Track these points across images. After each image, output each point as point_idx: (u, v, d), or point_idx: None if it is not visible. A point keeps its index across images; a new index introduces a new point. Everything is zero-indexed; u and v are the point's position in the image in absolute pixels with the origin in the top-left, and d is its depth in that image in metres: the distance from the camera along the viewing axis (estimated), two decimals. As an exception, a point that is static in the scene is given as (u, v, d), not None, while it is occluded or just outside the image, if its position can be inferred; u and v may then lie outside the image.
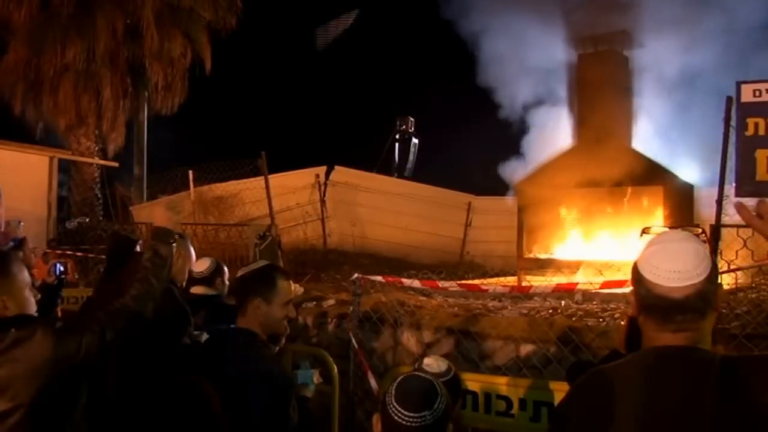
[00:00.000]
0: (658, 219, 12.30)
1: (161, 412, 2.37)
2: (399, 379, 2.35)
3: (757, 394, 1.79)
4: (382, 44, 26.39)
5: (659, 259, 1.93)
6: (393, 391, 2.25)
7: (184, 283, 4.05)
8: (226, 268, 5.51)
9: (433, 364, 3.35)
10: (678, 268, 1.90)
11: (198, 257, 8.23)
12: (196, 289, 5.12)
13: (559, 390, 4.65)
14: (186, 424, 2.23)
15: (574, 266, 11.32)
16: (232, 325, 3.24)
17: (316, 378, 3.43)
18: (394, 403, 2.18)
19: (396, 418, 2.14)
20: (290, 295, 3.29)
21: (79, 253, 13.00)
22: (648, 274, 1.94)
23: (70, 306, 6.92)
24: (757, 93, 7.39)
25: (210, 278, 5.22)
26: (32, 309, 3.04)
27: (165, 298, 3.68)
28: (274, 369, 3.04)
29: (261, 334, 3.15)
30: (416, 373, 2.57)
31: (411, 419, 2.13)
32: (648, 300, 1.95)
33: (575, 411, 2.01)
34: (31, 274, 4.47)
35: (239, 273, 3.29)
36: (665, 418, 1.82)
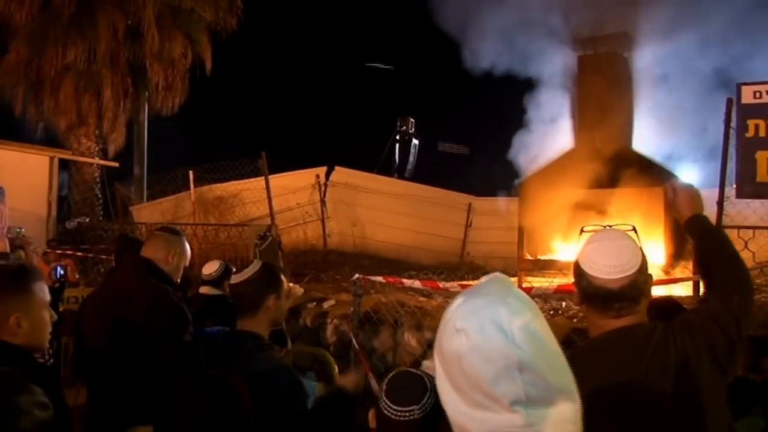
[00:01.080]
0: (659, 220, 12.30)
1: (186, 408, 2.35)
2: (391, 374, 2.39)
3: (676, 344, 2.16)
4: (384, 45, 26.42)
5: (597, 255, 2.20)
6: (384, 386, 2.28)
7: (178, 281, 3.99)
8: (234, 270, 5.59)
9: (432, 366, 3.36)
10: (613, 263, 2.17)
11: (198, 257, 8.25)
12: (204, 289, 5.39)
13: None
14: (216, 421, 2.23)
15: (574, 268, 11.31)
16: (232, 329, 3.25)
17: (318, 391, 3.45)
18: (384, 398, 2.20)
19: (386, 412, 2.16)
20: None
21: (79, 253, 13.01)
22: (587, 268, 2.21)
23: (70, 306, 6.92)
24: (758, 94, 7.40)
25: (218, 280, 5.41)
26: (46, 331, 2.76)
27: (161, 298, 3.68)
28: (286, 371, 3.03)
29: (266, 331, 3.19)
30: (408, 369, 2.60)
31: (399, 413, 2.14)
32: (589, 290, 2.21)
33: None
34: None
35: (237, 279, 3.27)
36: (617, 379, 2.11)
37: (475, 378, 1.34)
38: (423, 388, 2.29)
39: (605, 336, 2.20)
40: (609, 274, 2.16)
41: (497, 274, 1.49)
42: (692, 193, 2.73)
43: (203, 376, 2.49)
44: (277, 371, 2.93)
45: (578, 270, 2.25)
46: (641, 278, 2.19)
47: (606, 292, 2.17)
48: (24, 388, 1.80)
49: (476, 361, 1.33)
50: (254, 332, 3.14)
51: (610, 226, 2.41)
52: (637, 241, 2.29)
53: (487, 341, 1.33)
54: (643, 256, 2.23)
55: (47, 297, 2.76)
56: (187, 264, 4.10)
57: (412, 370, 2.55)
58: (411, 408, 2.17)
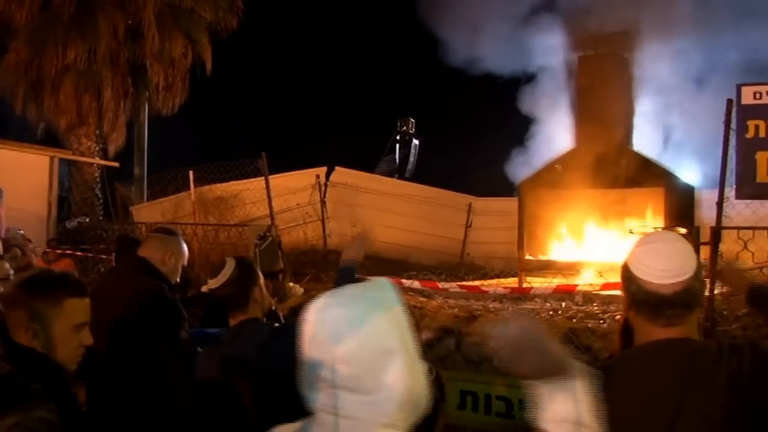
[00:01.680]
0: (659, 221, 12.31)
1: (192, 415, 2.33)
2: None
3: (730, 369, 1.95)
4: (384, 45, 26.42)
5: (649, 258, 2.06)
6: None
7: (177, 281, 4.01)
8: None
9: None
10: (667, 267, 2.02)
11: (198, 257, 8.25)
12: (206, 288, 5.31)
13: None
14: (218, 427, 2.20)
15: (574, 268, 11.32)
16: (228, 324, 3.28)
17: None
18: None
19: None
20: None
21: (79, 253, 13.02)
22: (639, 272, 2.06)
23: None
24: (758, 95, 7.41)
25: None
26: (69, 353, 2.49)
27: (157, 298, 3.69)
28: None
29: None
30: None
31: None
32: (639, 296, 2.07)
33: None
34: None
35: (218, 282, 3.29)
36: (666, 405, 1.94)
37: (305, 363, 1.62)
38: None
39: (649, 347, 2.07)
40: (662, 279, 2.03)
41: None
42: (733, 270, 2.67)
43: (206, 383, 2.47)
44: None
45: (627, 273, 2.12)
46: (697, 284, 2.06)
47: (658, 298, 2.04)
48: (33, 404, 1.67)
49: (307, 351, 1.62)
50: (255, 317, 3.23)
51: (660, 228, 2.34)
52: (691, 245, 2.16)
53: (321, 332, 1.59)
54: (698, 260, 2.10)
55: (84, 318, 2.54)
56: (185, 264, 4.11)
57: None
58: None
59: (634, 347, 2.14)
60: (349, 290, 1.70)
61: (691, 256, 2.07)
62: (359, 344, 1.55)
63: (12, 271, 3.89)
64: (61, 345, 2.44)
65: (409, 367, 1.60)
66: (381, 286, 1.70)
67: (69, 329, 2.46)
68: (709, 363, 1.98)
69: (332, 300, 1.65)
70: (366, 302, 1.63)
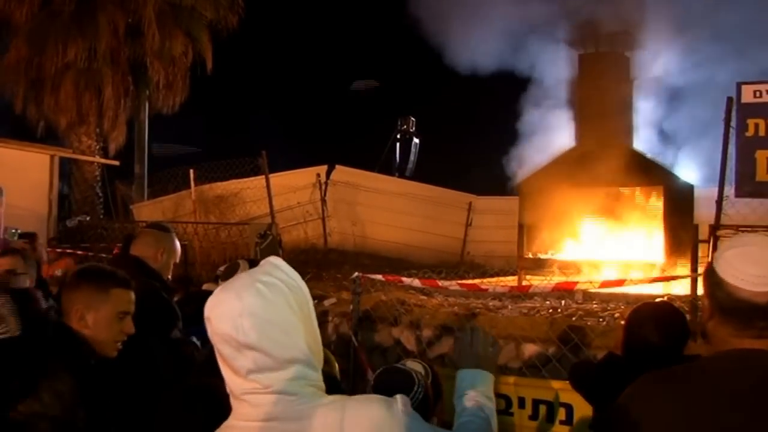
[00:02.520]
0: (658, 219, 12.31)
1: (171, 417, 2.33)
2: (378, 371, 2.42)
3: None
4: (385, 45, 26.41)
5: (742, 262, 1.83)
6: (373, 383, 2.31)
7: (169, 277, 4.00)
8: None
9: (414, 366, 3.41)
10: (763, 273, 1.80)
11: (199, 256, 8.27)
12: (207, 286, 5.40)
13: (560, 389, 4.67)
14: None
15: (574, 266, 11.34)
16: None
17: None
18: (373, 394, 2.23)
19: None
20: None
21: (79, 252, 13.01)
22: (729, 278, 1.84)
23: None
24: (758, 94, 7.42)
25: (223, 278, 5.45)
26: (110, 337, 2.80)
27: (148, 295, 3.69)
28: None
29: None
30: (396, 365, 2.64)
31: None
32: (728, 304, 1.85)
33: (634, 415, 1.87)
34: (41, 271, 4.52)
35: (212, 288, 3.28)
36: (740, 424, 1.75)
37: (221, 354, 1.78)
38: (410, 384, 2.33)
39: (736, 355, 1.84)
40: (756, 286, 1.79)
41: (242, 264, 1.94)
42: None
43: (194, 384, 2.46)
44: None
45: (714, 278, 1.88)
46: None
47: (751, 306, 1.81)
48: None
49: (218, 344, 1.77)
50: None
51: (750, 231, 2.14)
52: None
53: (222, 329, 1.75)
54: None
55: (128, 307, 2.84)
56: (177, 261, 4.10)
57: (399, 366, 2.59)
58: None
59: (719, 352, 1.90)
60: (240, 280, 1.82)
61: None
62: (260, 332, 1.71)
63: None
64: (105, 329, 2.76)
65: (314, 334, 1.82)
66: (274, 269, 1.82)
67: (113, 316, 2.79)
68: None
69: (224, 293, 1.79)
70: (262, 288, 1.75)
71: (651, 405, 1.84)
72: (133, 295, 2.89)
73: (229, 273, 5.54)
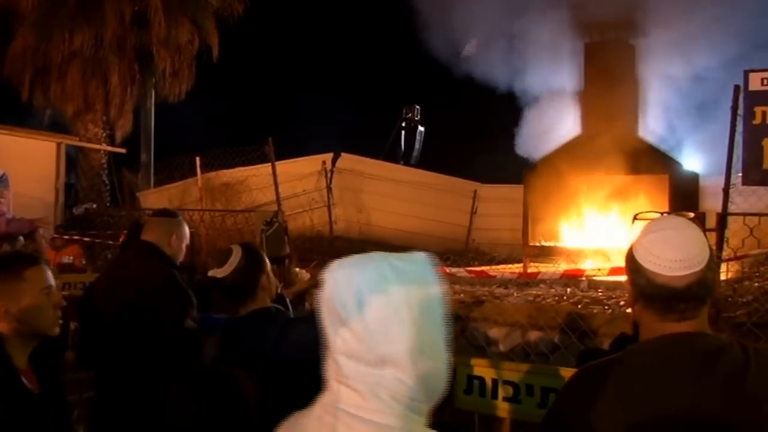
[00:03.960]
0: (664, 208, 12.30)
1: (187, 405, 2.27)
2: None
3: (762, 375, 1.77)
4: (391, 33, 26.35)
5: (659, 247, 1.86)
6: None
7: (180, 262, 4.00)
8: None
9: None
10: (680, 257, 1.83)
11: (206, 243, 8.29)
12: (214, 272, 5.36)
13: (568, 376, 4.68)
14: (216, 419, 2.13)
15: (579, 254, 11.35)
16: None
17: None
18: None
19: None
20: None
21: (86, 239, 13.08)
22: (647, 264, 1.86)
23: (77, 291, 6.85)
24: (765, 81, 7.41)
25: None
26: (47, 316, 2.67)
27: (167, 281, 3.70)
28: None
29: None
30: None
31: None
32: (648, 290, 1.88)
33: (570, 411, 1.94)
34: (46, 260, 4.52)
35: (225, 271, 3.23)
36: (676, 408, 1.78)
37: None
38: None
39: (660, 342, 1.87)
40: (674, 271, 1.82)
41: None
42: None
43: (205, 372, 2.43)
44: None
45: (634, 265, 1.90)
46: (710, 275, 1.85)
47: (670, 291, 1.84)
48: None
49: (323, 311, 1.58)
50: (268, 307, 3.20)
51: (668, 213, 2.16)
52: (702, 232, 1.94)
53: (332, 293, 1.56)
54: (711, 248, 1.90)
55: (48, 281, 2.68)
56: (188, 244, 4.11)
57: None
58: None
59: (643, 342, 1.94)
60: (372, 255, 1.65)
61: (703, 244, 1.87)
62: (369, 312, 1.51)
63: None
64: (37, 312, 2.62)
65: (428, 348, 1.54)
66: (411, 259, 1.63)
67: (38, 296, 2.62)
68: (732, 363, 1.80)
69: (347, 263, 1.64)
70: (386, 270, 1.57)
71: (587, 396, 1.89)
72: (46, 267, 2.73)
73: (223, 259, 5.64)
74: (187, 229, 4.07)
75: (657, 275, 1.84)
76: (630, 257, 1.93)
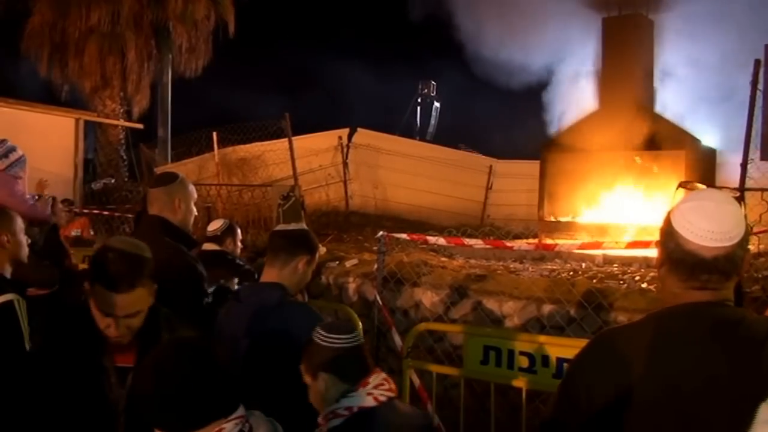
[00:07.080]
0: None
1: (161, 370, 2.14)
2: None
3: None
4: (405, 7, 26.25)
5: (696, 215, 1.88)
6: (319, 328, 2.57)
7: (190, 227, 3.77)
8: (239, 230, 6.02)
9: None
10: (713, 228, 1.85)
11: (223, 217, 8.38)
12: (207, 245, 5.57)
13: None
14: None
15: (595, 230, 11.37)
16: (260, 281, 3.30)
17: None
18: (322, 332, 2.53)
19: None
20: None
21: (105, 212, 13.23)
22: (681, 229, 1.89)
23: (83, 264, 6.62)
24: (784, 56, 7.37)
25: (220, 237, 5.70)
26: (25, 250, 3.50)
27: (174, 256, 3.48)
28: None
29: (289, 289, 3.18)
30: None
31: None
32: (675, 254, 1.91)
33: (587, 371, 1.99)
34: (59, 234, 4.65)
35: (282, 227, 3.31)
36: (687, 373, 1.81)
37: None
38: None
39: (678, 310, 1.90)
40: (704, 240, 1.85)
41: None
42: None
43: (175, 341, 2.35)
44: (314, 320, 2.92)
45: (668, 228, 1.93)
46: (740, 253, 1.87)
47: (696, 259, 1.86)
48: None
49: None
50: (279, 283, 3.16)
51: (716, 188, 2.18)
52: (743, 210, 1.96)
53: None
54: (747, 227, 1.91)
55: (22, 225, 3.50)
56: (195, 199, 3.80)
57: None
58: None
59: (662, 309, 1.96)
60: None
61: (740, 221, 1.89)
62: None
63: None
64: (22, 246, 3.49)
65: None
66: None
67: (21, 234, 3.49)
68: (750, 334, 1.80)
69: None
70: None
71: (602, 358, 1.96)
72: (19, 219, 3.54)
73: (227, 231, 5.81)
74: (190, 188, 3.78)
75: (687, 242, 1.87)
76: (666, 221, 1.96)
